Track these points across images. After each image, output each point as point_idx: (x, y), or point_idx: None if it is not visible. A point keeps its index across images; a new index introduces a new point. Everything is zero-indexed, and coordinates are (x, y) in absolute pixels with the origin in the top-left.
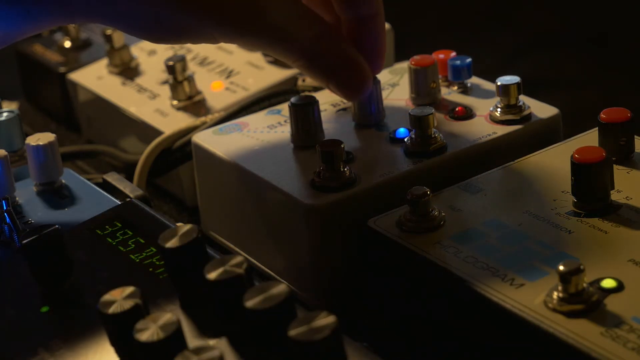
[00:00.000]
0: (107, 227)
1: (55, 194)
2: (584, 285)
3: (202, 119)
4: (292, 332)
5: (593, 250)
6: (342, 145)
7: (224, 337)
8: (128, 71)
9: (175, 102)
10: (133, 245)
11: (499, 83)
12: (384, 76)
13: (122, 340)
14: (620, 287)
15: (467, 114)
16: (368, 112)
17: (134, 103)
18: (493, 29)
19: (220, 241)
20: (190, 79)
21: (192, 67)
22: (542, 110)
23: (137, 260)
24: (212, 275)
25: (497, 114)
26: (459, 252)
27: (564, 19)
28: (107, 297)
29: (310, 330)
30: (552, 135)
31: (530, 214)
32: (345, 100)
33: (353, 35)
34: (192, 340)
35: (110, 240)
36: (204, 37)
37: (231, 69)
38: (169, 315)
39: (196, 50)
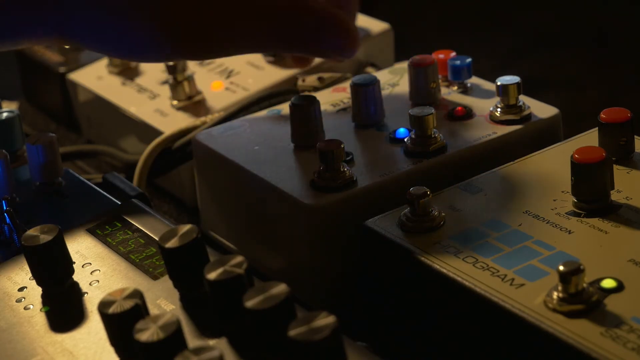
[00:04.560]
0: (107, 227)
1: (55, 194)
2: (584, 285)
3: (202, 119)
4: (292, 332)
5: (593, 250)
6: (342, 145)
7: (224, 337)
8: (128, 71)
9: (175, 102)
10: (133, 245)
11: (499, 83)
12: (384, 76)
13: (122, 340)
14: (620, 287)
15: (467, 114)
16: (368, 112)
17: (134, 103)
18: (493, 29)
19: (220, 241)
20: (190, 79)
21: (192, 67)
22: (542, 110)
23: (137, 260)
24: (212, 275)
25: (497, 114)
26: (459, 252)
27: (564, 19)
28: (107, 297)
29: (310, 330)
30: (552, 135)
31: (530, 214)
32: (345, 100)
33: None
34: (192, 340)
35: (110, 240)
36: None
37: (231, 69)
38: (169, 315)
39: None
